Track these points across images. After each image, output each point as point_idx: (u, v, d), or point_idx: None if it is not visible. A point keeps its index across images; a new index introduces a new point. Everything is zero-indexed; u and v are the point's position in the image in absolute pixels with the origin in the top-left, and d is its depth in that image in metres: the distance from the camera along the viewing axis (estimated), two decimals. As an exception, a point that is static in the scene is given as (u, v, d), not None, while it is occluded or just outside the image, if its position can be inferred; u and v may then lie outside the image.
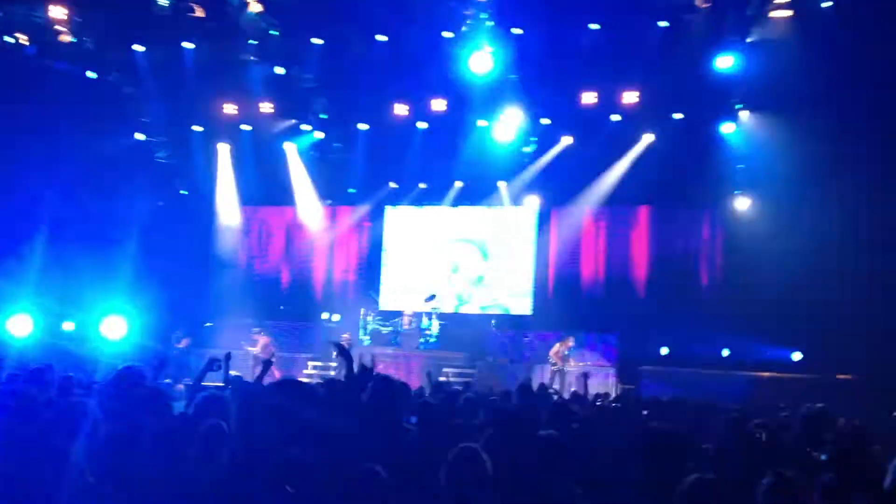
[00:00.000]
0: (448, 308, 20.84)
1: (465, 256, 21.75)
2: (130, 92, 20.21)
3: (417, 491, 4.31)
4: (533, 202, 21.35)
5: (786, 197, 17.68)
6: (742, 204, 19.12)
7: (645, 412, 8.49)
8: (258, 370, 6.74)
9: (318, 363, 19.01)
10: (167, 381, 8.20)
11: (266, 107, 20.15)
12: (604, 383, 16.29)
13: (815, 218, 17.08)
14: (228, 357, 6.90)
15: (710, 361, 17.30)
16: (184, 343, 18.82)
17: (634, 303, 19.58)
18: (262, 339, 18.07)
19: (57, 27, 17.93)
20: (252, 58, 18.90)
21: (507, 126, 19.70)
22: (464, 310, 21.37)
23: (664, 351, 18.27)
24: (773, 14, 16.26)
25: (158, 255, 20.38)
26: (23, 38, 18.14)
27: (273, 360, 15.66)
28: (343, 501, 3.64)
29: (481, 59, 17.97)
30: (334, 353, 5.52)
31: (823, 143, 16.49)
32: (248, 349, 17.85)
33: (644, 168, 19.52)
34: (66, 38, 18.17)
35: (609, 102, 18.65)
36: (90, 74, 19.73)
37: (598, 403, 9.85)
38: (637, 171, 19.65)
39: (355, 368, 5.64)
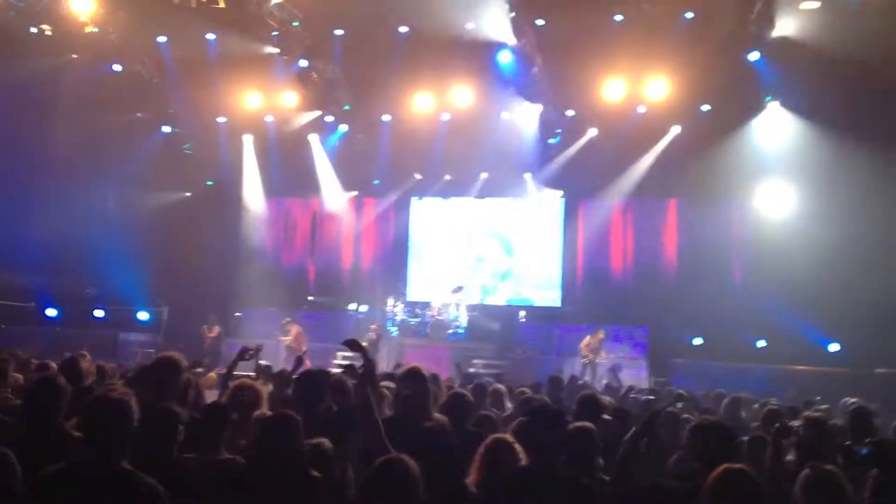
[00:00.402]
0: (475, 299, 20.80)
1: (491, 249, 21.68)
2: (156, 83, 20.31)
3: (447, 481, 4.28)
4: (558, 195, 21.21)
5: (820, 188, 17.40)
6: (773, 195, 18.85)
7: (679, 405, 8.40)
8: (289, 359, 6.76)
9: (348, 353, 18.97)
10: (199, 370, 8.19)
11: (289, 98, 20.16)
12: (636, 376, 16.14)
13: (851, 209, 16.85)
14: (259, 349, 6.91)
15: (745, 354, 17.13)
16: (215, 332, 18.89)
17: (665, 295, 19.33)
18: (294, 329, 18.09)
19: (81, 18, 18.02)
20: (275, 49, 18.95)
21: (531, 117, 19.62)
22: (493, 299, 21.30)
23: (697, 341, 18.12)
24: (803, 6, 16.03)
25: (187, 245, 20.57)
26: (47, 29, 18.29)
27: (305, 350, 15.82)
28: (373, 491, 3.60)
29: (505, 52, 17.95)
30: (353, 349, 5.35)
31: (858, 134, 16.26)
32: (281, 339, 17.90)
33: (672, 160, 19.31)
34: (90, 28, 18.28)
35: (635, 94, 18.48)
36: (116, 67, 19.87)
37: (631, 396, 9.78)
38: (665, 163, 19.45)
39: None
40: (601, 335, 17.41)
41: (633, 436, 4.60)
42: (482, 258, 21.65)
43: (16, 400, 5.69)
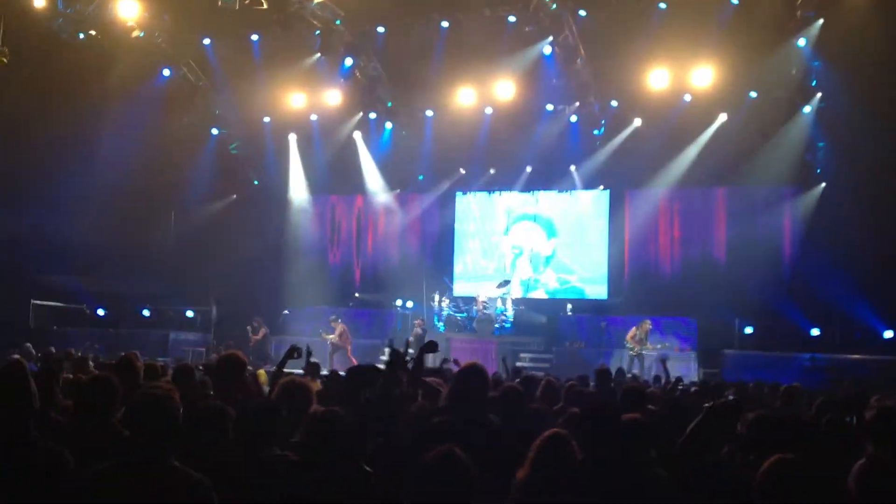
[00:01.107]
0: (520, 293, 20.74)
1: (534, 238, 21.55)
2: (202, 85, 20.58)
3: (500, 476, 4.25)
4: (603, 187, 21.04)
5: (872, 173, 16.99)
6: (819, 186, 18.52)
7: (730, 397, 8.26)
8: (335, 357, 6.81)
9: (404, 350, 19.01)
10: (249, 368, 8.29)
11: (333, 96, 20.26)
12: (684, 368, 15.95)
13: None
14: (309, 350, 6.96)
15: (797, 343, 16.85)
16: (261, 334, 19.12)
17: (714, 285, 19.00)
18: (339, 327, 18.21)
19: (127, 23, 18.33)
20: (317, 48, 19.06)
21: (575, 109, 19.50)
22: (535, 294, 21.21)
23: (749, 330, 17.86)
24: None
25: (234, 244, 20.83)
26: (95, 35, 18.61)
27: (349, 347, 15.87)
28: (425, 484, 3.58)
29: (547, 44, 17.87)
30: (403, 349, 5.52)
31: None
32: (326, 337, 18.02)
33: (719, 148, 19.02)
34: (137, 33, 18.57)
35: (680, 82, 18.25)
36: (165, 72, 20.19)
37: (679, 387, 9.65)
38: (712, 152, 19.16)
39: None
40: (647, 326, 17.23)
41: (696, 425, 4.54)
42: (521, 249, 21.51)
43: (66, 400, 5.79)
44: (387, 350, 17.56)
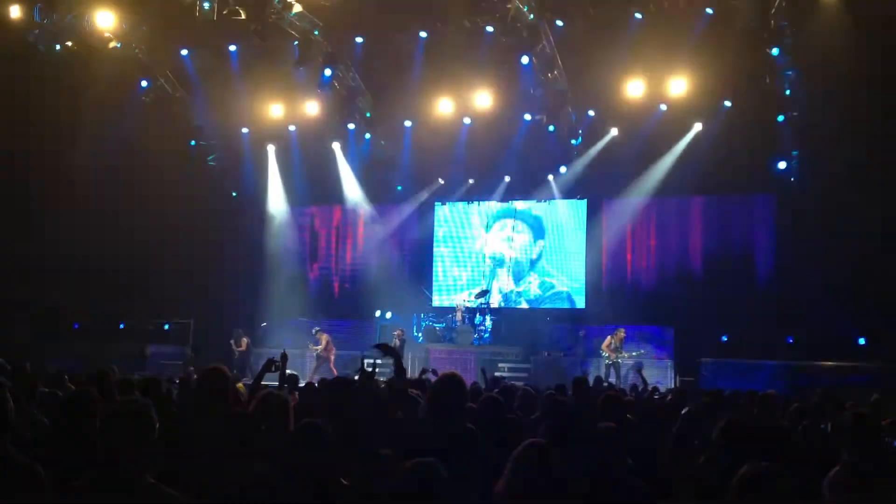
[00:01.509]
0: (499, 295, 20.79)
1: (519, 241, 21.53)
2: (179, 96, 20.51)
3: (478, 486, 4.27)
4: (580, 196, 21.11)
5: (844, 181, 17.17)
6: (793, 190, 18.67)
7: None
8: (319, 368, 6.79)
9: (375, 360, 19.00)
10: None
11: (311, 107, 20.26)
12: (661, 376, 16.05)
13: (878, 200, 16.65)
14: (285, 357, 6.93)
15: (772, 350, 16.98)
16: (244, 346, 19.05)
17: (691, 294, 19.17)
18: (324, 338, 18.20)
19: (104, 34, 18.26)
20: (296, 58, 19.06)
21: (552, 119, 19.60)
22: (524, 300, 21.25)
23: (725, 338, 17.98)
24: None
25: (211, 256, 20.74)
26: (72, 47, 18.53)
27: (332, 357, 15.85)
28: (403, 494, 3.60)
29: (525, 54, 17.98)
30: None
31: (886, 124, 16.08)
32: (313, 349, 18.01)
33: (694, 157, 19.16)
34: (114, 44, 18.51)
35: (656, 92, 18.40)
36: (143, 83, 20.12)
37: (656, 396, 9.70)
38: (687, 161, 19.30)
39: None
40: (621, 334, 17.36)
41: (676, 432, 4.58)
42: (502, 258, 21.51)
43: (42, 416, 5.76)
44: (367, 361, 17.68)
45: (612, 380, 15.94)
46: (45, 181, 18.94)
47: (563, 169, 20.76)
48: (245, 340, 19.13)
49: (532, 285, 21.24)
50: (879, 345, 16.37)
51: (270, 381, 6.73)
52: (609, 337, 17.44)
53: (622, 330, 17.48)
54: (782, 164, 18.71)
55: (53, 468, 3.70)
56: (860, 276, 16.55)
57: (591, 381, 11.11)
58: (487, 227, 21.76)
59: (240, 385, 7.97)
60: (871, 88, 16.18)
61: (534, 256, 21.36)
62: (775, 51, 17.12)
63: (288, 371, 7.55)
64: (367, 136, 21.51)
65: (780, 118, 18.37)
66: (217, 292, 20.42)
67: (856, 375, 14.93)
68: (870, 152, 16.49)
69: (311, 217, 23.32)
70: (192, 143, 21.84)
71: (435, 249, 22.17)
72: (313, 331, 18.61)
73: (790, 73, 17.60)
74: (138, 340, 19.93)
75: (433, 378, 7.26)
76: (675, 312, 18.85)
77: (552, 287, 21.06)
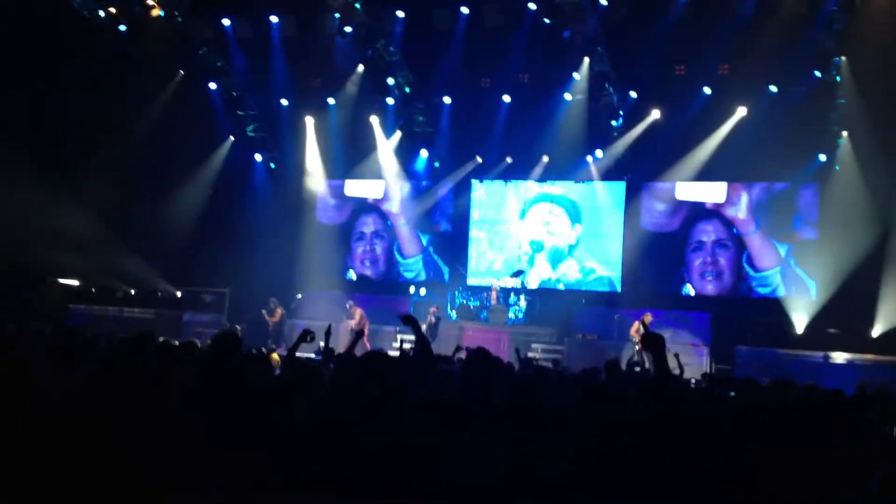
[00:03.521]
0: (534, 284, 20.68)
1: (557, 226, 21.38)
2: (222, 66, 20.62)
3: (503, 458, 4.25)
4: (620, 178, 20.88)
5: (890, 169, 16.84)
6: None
7: (732, 393, 8.17)
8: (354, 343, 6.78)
9: (408, 336, 19.10)
10: (262, 349, 8.33)
11: (351, 80, 20.26)
12: (698, 363, 15.92)
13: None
14: (329, 331, 6.92)
15: (814, 341, 16.75)
16: (277, 316, 19.17)
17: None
18: (358, 312, 18.25)
19: (148, 2, 18.39)
20: (336, 31, 19.04)
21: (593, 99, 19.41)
22: (554, 283, 21.13)
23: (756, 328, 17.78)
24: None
25: (250, 227, 20.90)
26: (114, 12, 18.68)
27: (366, 331, 15.91)
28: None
29: (567, 33, 17.79)
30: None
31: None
32: (348, 323, 18.09)
33: (737, 143, 18.87)
34: (157, 11, 18.62)
35: (700, 74, 18.13)
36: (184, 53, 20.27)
37: (692, 382, 9.62)
38: (730, 146, 19.00)
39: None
40: (648, 318, 17.20)
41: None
42: (542, 244, 21.38)
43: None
44: (400, 336, 17.76)
45: (648, 365, 15.81)
46: (84, 147, 19.15)
47: (598, 153, 20.51)
48: (279, 311, 19.23)
49: (572, 269, 21.06)
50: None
51: (305, 352, 6.75)
52: (637, 322, 17.34)
53: (649, 314, 17.33)
54: (823, 156, 18.37)
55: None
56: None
57: (623, 365, 11.06)
58: (522, 214, 21.60)
59: (274, 355, 8.01)
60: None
61: (572, 241, 21.17)
62: (823, 35, 16.81)
63: (323, 343, 7.58)
64: (406, 111, 21.45)
65: (825, 103, 18.05)
66: (253, 263, 20.56)
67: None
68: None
69: (349, 191, 23.27)
70: (234, 113, 21.91)
71: (471, 228, 22.03)
72: (347, 304, 18.67)
73: (838, 59, 17.25)
74: (174, 308, 20.23)
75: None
76: (713, 299, 18.67)
77: (593, 271, 20.86)
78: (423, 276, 22.06)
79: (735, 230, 19.63)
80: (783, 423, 4.64)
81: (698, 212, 20.07)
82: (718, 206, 19.81)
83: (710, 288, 19.66)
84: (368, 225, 22.95)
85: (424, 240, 22.36)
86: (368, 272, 22.59)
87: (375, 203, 22.88)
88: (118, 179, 19.44)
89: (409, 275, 22.24)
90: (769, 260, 19.25)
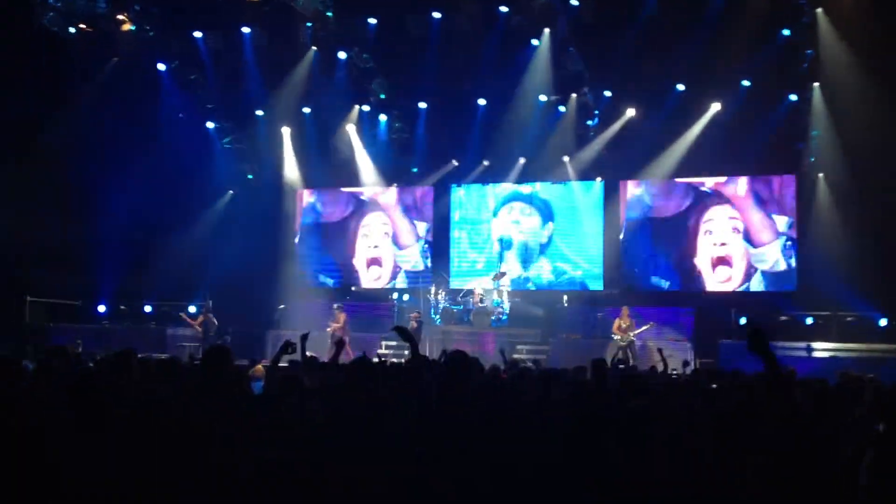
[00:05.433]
0: (509, 281, 20.71)
1: (527, 224, 21.40)
2: (195, 79, 20.57)
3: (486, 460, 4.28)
4: (597, 177, 20.95)
5: (861, 165, 17.00)
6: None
7: (714, 386, 8.22)
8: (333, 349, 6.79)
9: (392, 342, 19.07)
10: (245, 361, 8.29)
11: (325, 89, 20.27)
12: (681, 357, 15.99)
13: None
14: (305, 338, 6.92)
15: (794, 332, 16.88)
16: (201, 319, 18.83)
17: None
18: (342, 316, 18.19)
19: (118, 16, 18.34)
20: (309, 40, 19.06)
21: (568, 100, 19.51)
22: (533, 285, 21.16)
23: (743, 321, 17.85)
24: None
25: (230, 239, 20.83)
26: (85, 29, 18.60)
27: (347, 339, 15.87)
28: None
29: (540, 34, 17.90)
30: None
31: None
32: (330, 324, 17.99)
33: (712, 138, 19.00)
34: (127, 26, 18.57)
35: (673, 72, 18.27)
36: (160, 66, 20.17)
37: (674, 376, 9.68)
38: (706, 142, 19.14)
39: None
40: (625, 311, 17.42)
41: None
42: (510, 241, 21.37)
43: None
44: (384, 343, 17.73)
45: (633, 361, 15.89)
46: (66, 165, 19.09)
47: (565, 158, 20.57)
48: (202, 317, 18.88)
49: (544, 270, 21.11)
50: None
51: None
52: (617, 319, 17.47)
53: (625, 308, 17.53)
54: (801, 145, 18.52)
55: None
56: (881, 256, 16.38)
57: (609, 362, 11.07)
58: (495, 212, 21.64)
59: (258, 367, 7.99)
60: (891, 65, 15.99)
61: (543, 240, 21.21)
62: (796, 28, 17.01)
63: (308, 353, 7.56)
64: (383, 118, 21.48)
65: (795, 98, 18.22)
66: (234, 275, 20.48)
67: (877, 359, 14.84)
68: (891, 131, 16.24)
69: (327, 199, 23.22)
70: (210, 125, 21.83)
71: (452, 232, 22.06)
72: (334, 306, 18.64)
73: (810, 52, 17.42)
74: (159, 322, 20.15)
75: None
76: (696, 294, 18.98)
77: (564, 273, 20.91)
78: (420, 266, 22.00)
79: (734, 207, 19.64)
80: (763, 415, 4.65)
81: (698, 196, 20.02)
82: (719, 185, 19.82)
83: (723, 278, 19.62)
84: (349, 231, 22.85)
85: (422, 229, 22.29)
86: (375, 273, 22.50)
87: (355, 209, 22.82)
88: (95, 195, 19.36)
89: (407, 266, 22.18)
90: (767, 234, 19.29)
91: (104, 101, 19.64)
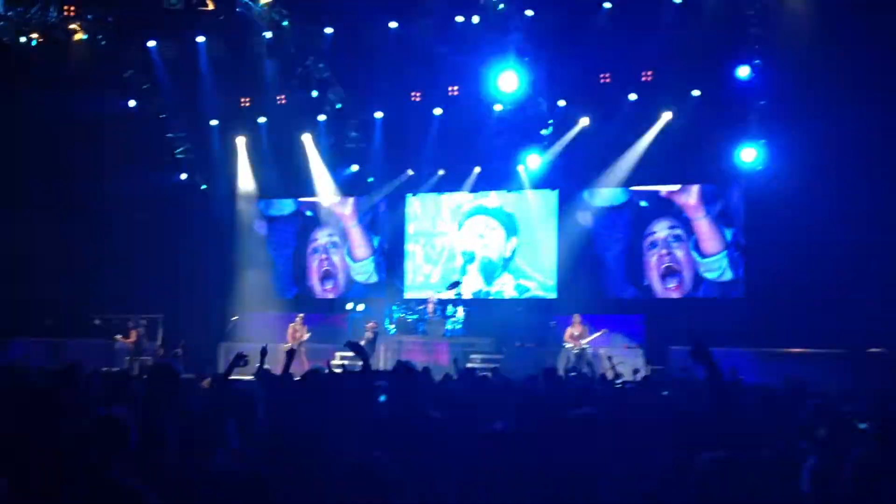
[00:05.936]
0: (470, 295, 20.76)
1: (491, 238, 21.47)
2: (148, 88, 20.39)
3: (443, 479, 4.28)
4: (552, 186, 21.08)
5: (812, 168, 17.33)
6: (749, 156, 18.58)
7: (665, 392, 8.34)
8: (294, 361, 6.77)
9: (346, 353, 18.99)
10: (191, 376, 8.22)
11: (281, 98, 20.21)
12: (633, 364, 16.15)
13: (841, 184, 16.77)
14: (265, 352, 6.89)
15: (742, 337, 17.10)
16: (133, 336, 18.69)
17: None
18: (304, 328, 18.20)
19: (70, 25, 18.11)
20: (265, 49, 18.99)
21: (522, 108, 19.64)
22: (488, 295, 21.22)
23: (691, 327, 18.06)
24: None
25: (181, 251, 20.61)
26: (37, 38, 18.34)
27: (301, 348, 15.79)
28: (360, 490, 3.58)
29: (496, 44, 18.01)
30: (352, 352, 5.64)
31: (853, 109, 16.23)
32: (294, 338, 17.95)
33: (664, 147, 19.26)
34: (80, 36, 18.35)
35: (626, 80, 18.51)
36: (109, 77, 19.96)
37: (619, 384, 9.77)
38: (658, 150, 19.38)
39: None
40: (577, 318, 17.57)
41: None
42: (472, 255, 21.45)
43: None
44: (339, 354, 17.65)
45: (586, 369, 15.98)
46: (15, 175, 18.78)
47: (520, 167, 20.72)
48: (135, 332, 18.73)
49: (507, 286, 21.16)
50: (843, 332, 16.42)
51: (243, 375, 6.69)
52: (569, 328, 17.62)
53: (576, 315, 17.67)
54: (750, 153, 18.74)
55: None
56: (822, 262, 16.67)
57: (561, 371, 11.19)
58: (459, 226, 21.68)
59: (205, 382, 7.93)
60: (836, 75, 16.35)
61: (507, 255, 21.30)
62: (744, 38, 17.34)
63: (266, 366, 7.54)
64: (338, 127, 21.43)
65: (748, 106, 18.53)
66: (187, 287, 20.28)
67: (823, 362, 15.09)
68: (837, 138, 16.57)
69: (282, 209, 23.11)
70: (162, 135, 21.61)
71: (406, 241, 22.05)
72: (297, 317, 18.64)
73: (758, 61, 17.73)
74: (108, 335, 19.80)
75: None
76: (647, 301, 19.12)
77: (527, 290, 20.98)
78: (374, 279, 21.96)
79: (685, 216, 19.87)
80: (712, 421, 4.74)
81: (647, 207, 20.21)
82: (672, 193, 19.98)
83: (671, 286, 19.82)
84: (303, 242, 22.76)
85: (375, 241, 22.25)
86: (328, 286, 22.39)
87: (310, 219, 22.76)
88: (44, 205, 19.07)
89: (360, 278, 22.14)
90: (715, 245, 19.52)
91: (55, 108, 19.35)
